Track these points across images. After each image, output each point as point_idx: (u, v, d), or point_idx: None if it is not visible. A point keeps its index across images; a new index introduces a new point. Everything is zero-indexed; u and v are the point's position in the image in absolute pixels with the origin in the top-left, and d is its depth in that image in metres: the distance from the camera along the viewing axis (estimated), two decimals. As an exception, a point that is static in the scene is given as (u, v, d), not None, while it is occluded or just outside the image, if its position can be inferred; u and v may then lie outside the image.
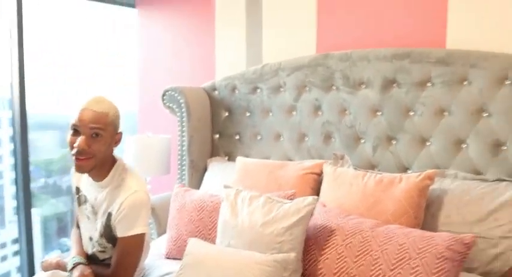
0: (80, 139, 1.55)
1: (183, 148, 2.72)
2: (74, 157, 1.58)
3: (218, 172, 2.60)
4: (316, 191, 2.17)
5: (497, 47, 2.07)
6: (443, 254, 1.57)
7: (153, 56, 3.22)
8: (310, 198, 1.75)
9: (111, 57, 3.66)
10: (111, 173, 1.68)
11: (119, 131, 1.67)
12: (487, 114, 2.05)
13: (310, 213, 1.74)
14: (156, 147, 2.84)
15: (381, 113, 2.28)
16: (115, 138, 1.64)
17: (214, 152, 2.79)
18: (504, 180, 1.94)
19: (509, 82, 1.99)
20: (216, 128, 2.78)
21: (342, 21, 2.49)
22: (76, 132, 1.58)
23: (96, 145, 1.57)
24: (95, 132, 1.57)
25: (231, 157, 2.73)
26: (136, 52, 3.31)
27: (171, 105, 2.74)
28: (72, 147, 1.58)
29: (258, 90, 2.63)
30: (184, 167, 2.73)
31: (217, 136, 2.78)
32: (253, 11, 2.77)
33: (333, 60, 2.38)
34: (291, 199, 1.93)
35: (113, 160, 1.71)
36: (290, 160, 2.53)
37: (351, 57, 2.34)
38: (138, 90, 3.32)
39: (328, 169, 2.16)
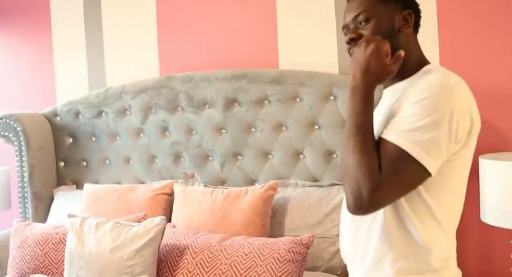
0: None
1: (24, 180, 2.53)
2: None
3: (65, 202, 2.47)
4: (168, 211, 2.19)
5: (322, 67, 2.32)
6: (285, 257, 1.70)
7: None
8: (158, 219, 1.77)
9: None
10: None
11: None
12: (317, 127, 2.27)
13: (160, 234, 1.75)
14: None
15: (225, 130, 2.39)
16: None
17: (60, 181, 2.65)
18: (336, 184, 2.17)
19: (332, 98, 2.24)
20: (61, 155, 2.64)
21: (182, 45, 2.56)
22: None
23: None
24: None
25: (79, 185, 2.62)
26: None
27: (6, 133, 2.54)
28: None
29: (103, 114, 2.57)
30: (26, 200, 2.55)
31: (62, 164, 2.65)
32: (93, 36, 2.71)
33: (176, 82, 2.44)
34: (141, 221, 1.92)
35: None
36: (142, 183, 2.51)
37: (193, 79, 2.42)
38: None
39: (178, 189, 2.19)
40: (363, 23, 1.15)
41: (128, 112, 2.54)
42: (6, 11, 2.88)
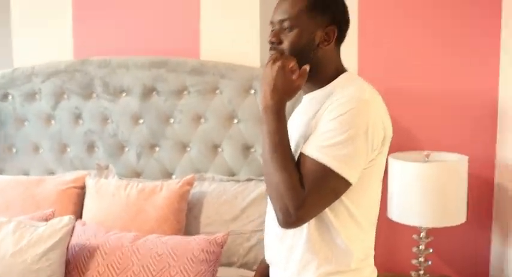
0: None
1: None
2: None
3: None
4: (80, 206, 2.11)
5: (243, 59, 2.30)
6: (199, 257, 1.71)
7: None
8: (67, 219, 1.69)
9: None
10: None
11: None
12: (237, 121, 2.26)
13: (68, 235, 1.68)
14: None
15: (142, 120, 2.32)
16: None
17: (-42, 168, 2.45)
18: (253, 179, 2.19)
19: (253, 91, 2.24)
20: (-40, 140, 2.44)
21: (100, 27, 2.42)
22: None
23: None
24: None
25: (-18, 173, 2.44)
26: None
27: None
28: None
29: (10, 97, 2.39)
30: None
31: (-39, 150, 2.44)
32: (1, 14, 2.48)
33: (92, 67, 2.31)
34: (49, 219, 1.83)
35: None
36: (53, 173, 2.38)
37: (110, 64, 2.30)
38: None
39: (90, 182, 2.11)
40: (286, 29, 1.17)
41: (37, 96, 2.37)
42: None
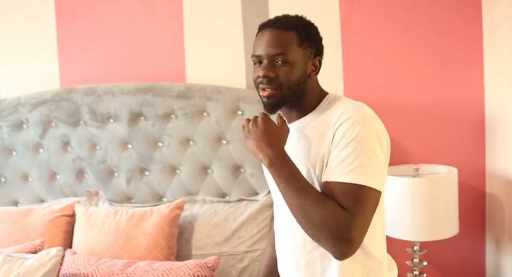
0: None
1: None
2: None
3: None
4: (70, 234, 2.09)
5: (229, 82, 2.31)
6: (191, 283, 1.68)
7: None
8: (55, 250, 1.68)
9: None
10: None
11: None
12: (225, 142, 2.26)
13: (57, 266, 1.67)
14: None
15: (131, 145, 2.32)
16: None
17: None
18: (243, 200, 2.18)
19: (240, 112, 2.24)
20: (-52, 173, 2.42)
21: (85, 55, 2.43)
22: None
23: None
24: None
25: (-28, 205, 2.42)
26: None
27: None
28: None
29: (-3, 128, 2.39)
30: None
31: (-50, 182, 2.43)
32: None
33: (78, 95, 2.32)
34: (39, 250, 1.81)
35: None
36: (43, 201, 2.37)
37: (96, 91, 2.31)
38: None
39: (79, 210, 2.09)
40: (279, 62, 1.21)
41: (24, 126, 2.37)
42: None
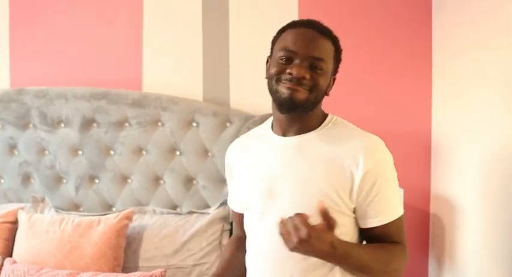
0: None
1: None
2: None
3: None
4: (12, 242, 2.00)
5: (185, 92, 2.30)
6: (136, 297, 1.66)
7: None
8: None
9: None
10: None
11: None
12: (179, 153, 2.25)
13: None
14: None
15: (82, 152, 2.26)
16: None
17: None
18: (194, 212, 2.17)
19: (195, 124, 2.24)
20: None
21: (37, 56, 2.37)
22: None
23: None
24: None
25: None
26: None
27: None
28: None
29: None
30: None
31: None
32: None
33: (29, 96, 2.25)
34: (-24, 257, 1.74)
35: None
36: (-17, 205, 2.27)
37: (47, 94, 2.25)
38: None
39: (22, 217, 2.02)
40: (317, 67, 1.18)
41: (-32, 126, 2.28)
42: None
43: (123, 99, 2.24)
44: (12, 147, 2.28)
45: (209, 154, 2.24)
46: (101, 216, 2.03)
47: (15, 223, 2.04)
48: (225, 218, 2.13)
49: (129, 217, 2.02)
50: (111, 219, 1.98)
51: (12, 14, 2.37)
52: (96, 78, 2.34)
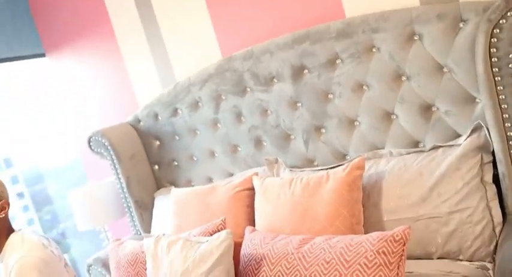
0: None
1: (124, 190, 2.56)
2: None
3: (165, 207, 2.43)
4: (253, 209, 1.98)
5: (397, 2, 1.84)
6: (375, 261, 1.38)
7: (79, 101, 3.03)
8: (224, 233, 1.57)
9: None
10: (5, 245, 1.78)
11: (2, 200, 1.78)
12: (405, 78, 1.83)
13: (229, 249, 1.56)
14: (102, 194, 2.69)
15: (300, 103, 2.08)
16: None
17: (158, 184, 2.62)
18: (440, 147, 1.73)
19: (417, 37, 1.77)
20: (153, 159, 2.61)
21: (237, 19, 2.27)
22: None
23: None
24: None
25: (177, 185, 2.56)
26: (58, 99, 3.14)
27: (99, 150, 2.58)
28: None
29: (179, 111, 2.43)
30: (131, 210, 2.58)
31: (156, 167, 2.61)
32: (152, 33, 2.55)
33: (238, 62, 2.18)
34: (221, 229, 1.76)
35: (8, 231, 1.80)
36: (231, 175, 2.35)
37: (253, 54, 2.13)
38: (76, 138, 3.15)
39: (257, 183, 1.97)
40: None
41: (200, 104, 2.36)
42: (71, 36, 2.87)
43: (326, 34, 1.93)
44: (238, 115, 2.26)
45: (444, 69, 1.75)
46: (329, 170, 1.81)
47: (252, 189, 2.01)
48: (482, 147, 1.63)
49: (360, 167, 1.73)
50: (340, 172, 1.74)
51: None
52: (297, 20, 2.09)
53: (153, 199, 2.57)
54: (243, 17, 2.26)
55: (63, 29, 2.90)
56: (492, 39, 1.54)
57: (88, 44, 2.83)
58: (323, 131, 2.06)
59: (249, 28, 2.25)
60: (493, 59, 1.56)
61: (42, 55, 3.10)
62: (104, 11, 2.68)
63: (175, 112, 2.45)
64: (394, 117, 1.89)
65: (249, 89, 2.19)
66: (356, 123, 1.98)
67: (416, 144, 1.86)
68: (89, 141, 2.58)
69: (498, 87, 1.58)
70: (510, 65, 1.54)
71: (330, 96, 2.00)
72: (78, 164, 3.26)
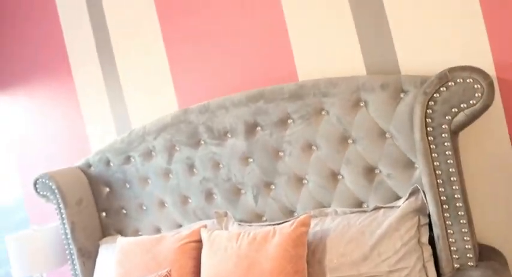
0: None
1: (68, 236, 2.49)
2: None
3: (109, 256, 2.38)
4: (199, 261, 1.99)
5: (348, 70, 1.99)
6: (315, 317, 1.42)
7: (27, 142, 2.98)
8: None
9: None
10: None
11: None
12: (351, 141, 1.94)
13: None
14: (43, 240, 2.60)
15: (252, 159, 2.14)
16: None
17: (105, 231, 2.57)
18: (381, 207, 1.83)
19: (362, 103, 1.90)
20: (101, 206, 2.57)
21: (195, 74, 2.37)
22: None
23: None
24: None
25: (124, 234, 2.52)
26: (5, 139, 3.08)
27: (45, 193, 2.52)
28: None
29: (132, 159, 2.45)
30: (73, 257, 2.50)
31: (104, 214, 2.57)
32: (111, 79, 2.60)
33: (193, 114, 2.24)
34: (165, 280, 1.75)
35: None
36: (180, 226, 2.35)
37: (209, 108, 2.20)
38: (20, 179, 3.07)
39: (204, 235, 1.99)
40: None
41: (153, 153, 2.39)
42: (27, 75, 2.88)
43: (279, 95, 2.04)
44: (191, 167, 2.30)
45: (387, 135, 1.87)
46: (276, 226, 1.86)
47: (200, 241, 2.02)
48: (419, 210, 1.74)
49: (306, 224, 1.79)
50: (286, 227, 1.79)
51: (167, 44, 2.43)
52: (253, 80, 2.20)
53: (97, 247, 2.52)
54: (202, 72, 2.35)
55: (19, 67, 2.90)
56: (428, 110, 1.68)
57: (44, 84, 2.83)
58: (272, 187, 2.12)
59: (207, 83, 2.34)
60: (428, 128, 1.69)
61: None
62: (63, 54, 2.72)
63: (127, 159, 2.46)
64: (340, 177, 1.99)
65: (202, 142, 2.25)
66: (304, 181, 2.06)
67: (360, 204, 1.95)
68: (35, 184, 2.53)
69: (433, 154, 1.70)
70: (443, 135, 1.68)
71: (281, 153, 2.08)
72: (20, 206, 3.15)
